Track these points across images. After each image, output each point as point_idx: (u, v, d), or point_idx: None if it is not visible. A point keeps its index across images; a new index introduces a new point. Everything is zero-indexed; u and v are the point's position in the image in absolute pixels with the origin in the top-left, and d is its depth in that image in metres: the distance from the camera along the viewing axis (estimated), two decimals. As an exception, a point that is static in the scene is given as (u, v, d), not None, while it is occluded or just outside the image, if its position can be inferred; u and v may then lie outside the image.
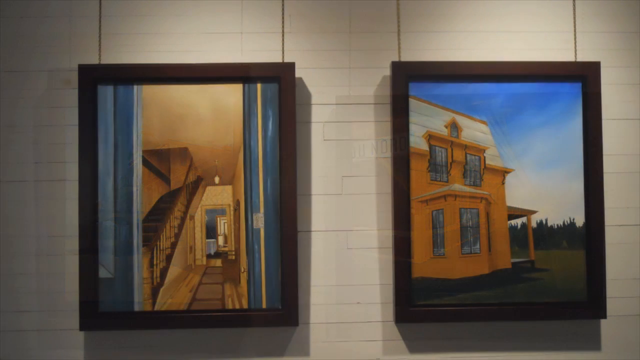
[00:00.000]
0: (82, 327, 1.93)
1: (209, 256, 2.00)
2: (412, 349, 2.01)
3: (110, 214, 1.97)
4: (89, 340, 1.98)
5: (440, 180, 2.01)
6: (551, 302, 1.99)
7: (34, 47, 2.03)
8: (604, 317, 1.98)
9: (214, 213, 2.00)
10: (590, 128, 2.01)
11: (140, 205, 1.98)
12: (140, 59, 2.04)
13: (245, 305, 1.97)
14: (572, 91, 2.03)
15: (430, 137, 2.02)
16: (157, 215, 1.98)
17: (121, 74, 1.98)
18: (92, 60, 2.03)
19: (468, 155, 2.03)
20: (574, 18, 2.09)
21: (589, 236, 2.00)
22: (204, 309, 1.96)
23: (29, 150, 2.01)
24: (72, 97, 2.01)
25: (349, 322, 2.01)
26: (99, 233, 1.96)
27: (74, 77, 2.01)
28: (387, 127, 2.05)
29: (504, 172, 2.02)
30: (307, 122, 2.05)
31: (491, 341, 2.02)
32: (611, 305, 2.02)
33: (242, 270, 1.99)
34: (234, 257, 1.99)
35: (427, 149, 2.02)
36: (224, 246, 2.00)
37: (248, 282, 1.98)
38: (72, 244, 1.97)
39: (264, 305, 1.97)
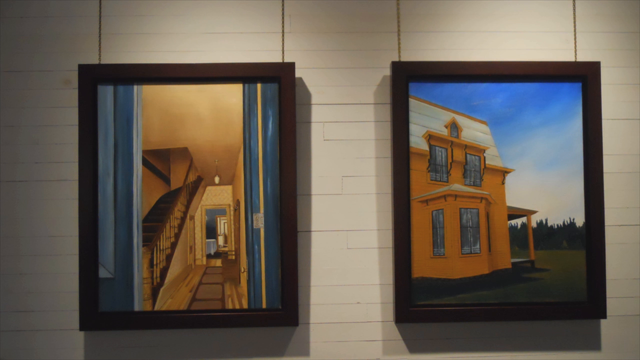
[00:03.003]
0: (82, 327, 1.93)
1: (209, 256, 2.00)
2: (412, 349, 2.01)
3: (110, 214, 1.97)
4: (89, 340, 1.98)
5: (440, 180, 2.01)
6: (551, 302, 1.99)
7: (34, 47, 2.03)
8: (604, 317, 1.98)
9: (214, 213, 2.00)
10: (590, 128, 2.01)
11: (140, 205, 1.98)
12: (140, 59, 2.04)
13: (245, 305, 1.97)
14: (572, 91, 2.03)
15: (430, 137, 2.02)
16: (157, 215, 1.98)
17: (121, 74, 1.98)
18: (92, 60, 2.03)
19: (468, 155, 2.03)
20: (574, 18, 2.09)
21: (589, 236, 2.00)
22: (204, 309, 1.96)
23: (28, 150, 2.02)
24: (72, 97, 2.02)
25: (349, 322, 2.01)
26: (99, 233, 1.96)
27: (74, 77, 2.01)
28: (387, 127, 2.05)
29: (504, 172, 2.02)
30: (307, 122, 2.05)
31: (491, 341, 2.02)
32: (611, 305, 2.02)
33: (242, 270, 1.99)
34: (234, 257, 2.00)
35: (427, 149, 2.02)
36: (224, 246, 2.00)
37: (248, 282, 1.98)
38: (72, 244, 1.98)
39: (264, 305, 1.97)
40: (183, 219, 1.99)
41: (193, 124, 2.00)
